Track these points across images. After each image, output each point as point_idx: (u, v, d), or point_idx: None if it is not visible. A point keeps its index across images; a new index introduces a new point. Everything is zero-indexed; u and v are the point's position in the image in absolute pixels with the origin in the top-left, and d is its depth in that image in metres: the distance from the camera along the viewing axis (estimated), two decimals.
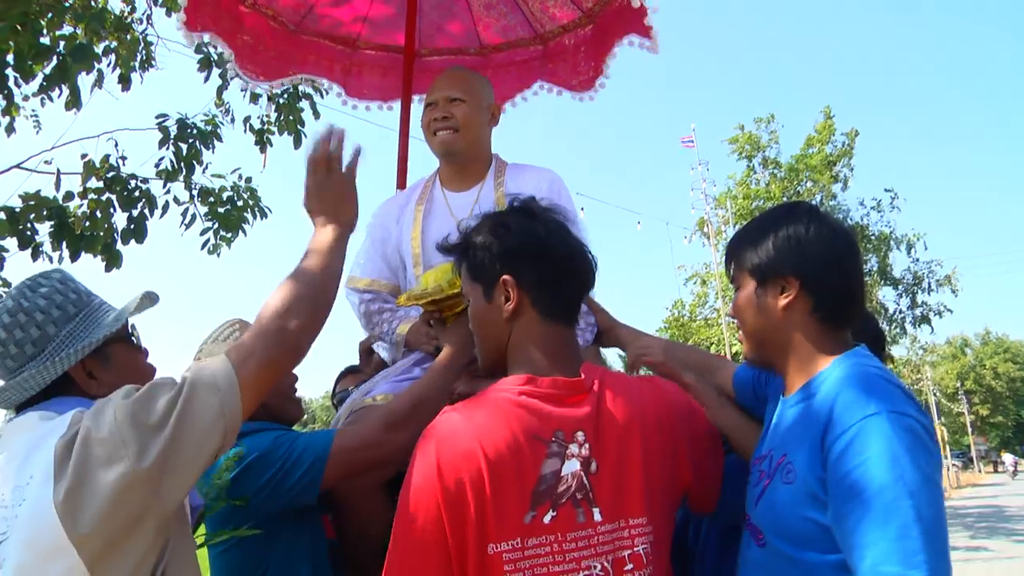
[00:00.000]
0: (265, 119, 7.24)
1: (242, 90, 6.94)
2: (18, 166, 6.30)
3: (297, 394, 2.32)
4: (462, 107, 2.50)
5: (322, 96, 7.08)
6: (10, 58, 5.33)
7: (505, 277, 1.63)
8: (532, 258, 1.64)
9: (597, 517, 1.46)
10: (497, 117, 2.67)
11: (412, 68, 3.31)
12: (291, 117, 7.09)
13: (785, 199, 19.75)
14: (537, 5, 3.31)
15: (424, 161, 2.84)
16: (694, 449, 1.66)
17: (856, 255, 1.66)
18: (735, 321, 1.78)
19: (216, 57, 6.62)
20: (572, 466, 1.47)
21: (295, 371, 2.25)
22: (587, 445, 1.49)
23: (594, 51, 3.19)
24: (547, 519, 1.43)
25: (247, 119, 7.27)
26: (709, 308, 22.81)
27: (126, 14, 6.90)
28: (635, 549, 1.47)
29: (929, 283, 19.89)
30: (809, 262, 1.59)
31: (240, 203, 6.83)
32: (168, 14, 6.82)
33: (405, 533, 1.45)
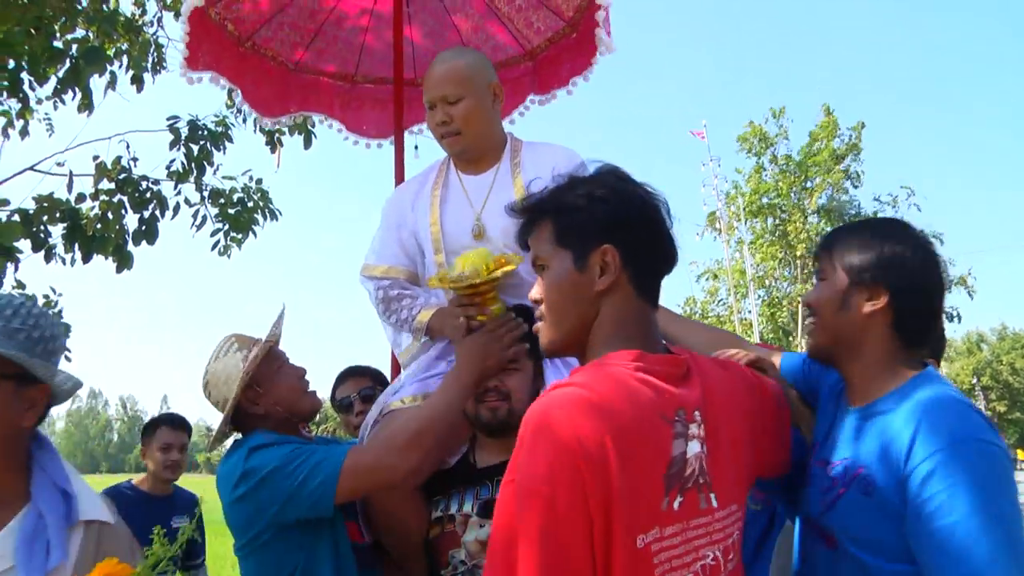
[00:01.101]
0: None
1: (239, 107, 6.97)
2: (32, 168, 6.35)
3: (311, 387, 2.33)
4: (461, 106, 2.39)
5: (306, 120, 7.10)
6: (24, 62, 5.39)
7: (607, 246, 1.48)
8: (637, 230, 1.50)
9: (715, 503, 1.38)
10: (501, 96, 2.53)
11: (402, 99, 3.36)
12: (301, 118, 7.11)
13: (793, 194, 19.67)
14: (523, 22, 3.36)
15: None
16: (767, 429, 1.66)
17: (942, 287, 1.74)
18: (810, 309, 1.81)
19: (204, 80, 6.66)
20: (695, 448, 1.37)
21: (302, 364, 2.34)
22: (703, 426, 1.40)
23: (573, 56, 3.25)
24: (676, 505, 1.33)
25: (257, 119, 7.30)
26: (722, 305, 22.73)
27: (137, 17, 6.95)
28: (733, 537, 1.42)
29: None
30: (904, 281, 1.67)
31: (251, 204, 6.86)
32: (177, 17, 6.87)
33: (552, 535, 1.23)
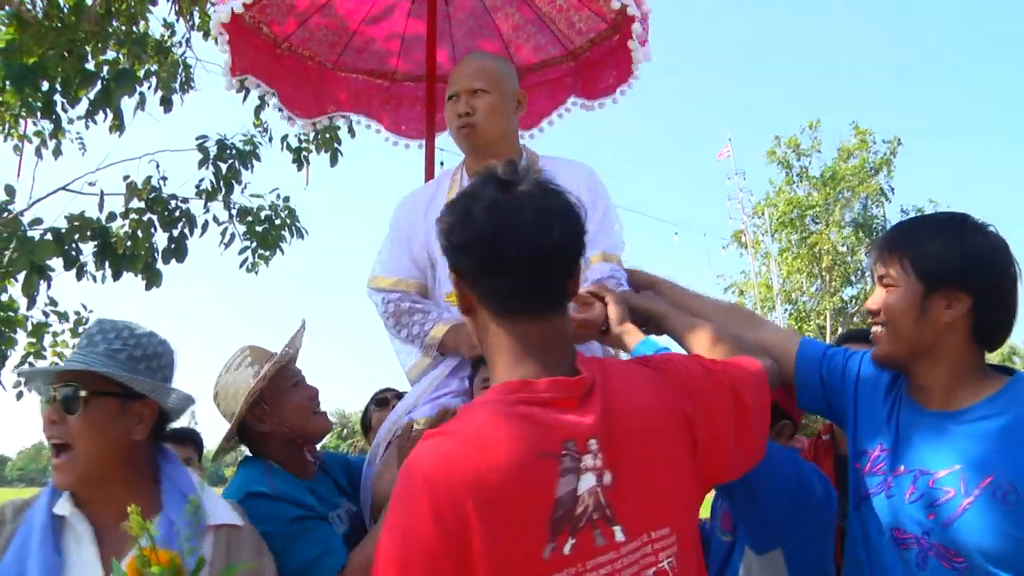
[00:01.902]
0: (302, 137, 7.33)
1: (280, 110, 7.04)
2: (64, 188, 6.47)
3: (320, 408, 2.27)
4: (485, 98, 2.36)
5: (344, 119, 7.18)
6: (57, 84, 5.50)
7: (452, 274, 1.42)
8: (459, 250, 1.38)
9: (619, 537, 1.24)
10: (523, 104, 2.50)
11: (434, 95, 3.29)
12: (328, 135, 7.18)
13: (826, 208, 19.52)
14: (564, 22, 3.33)
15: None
16: (718, 425, 1.42)
17: (1017, 280, 1.63)
18: (876, 316, 1.69)
19: (248, 86, 6.75)
20: (588, 482, 1.24)
21: (314, 384, 2.29)
22: (600, 455, 1.25)
23: (618, 60, 3.19)
24: (567, 549, 1.20)
25: (284, 138, 7.37)
26: None
27: (166, 38, 7.06)
28: (660, 565, 1.27)
29: None
30: (984, 282, 1.57)
31: (278, 222, 6.93)
32: (205, 37, 6.98)
33: None
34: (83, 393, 1.70)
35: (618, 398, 1.33)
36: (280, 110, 3.40)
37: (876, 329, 1.70)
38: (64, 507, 1.71)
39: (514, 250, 1.32)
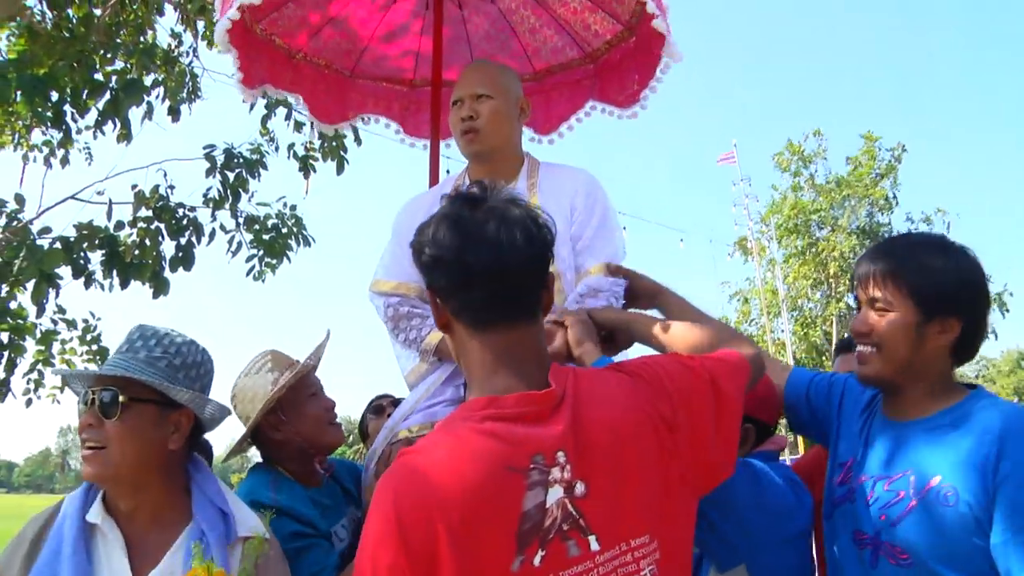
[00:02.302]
0: (308, 146, 7.37)
1: (286, 119, 7.11)
2: (73, 197, 6.51)
3: (336, 420, 2.28)
4: (489, 104, 2.37)
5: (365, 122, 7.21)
6: (67, 94, 5.55)
7: (427, 292, 1.47)
8: (430, 267, 1.42)
9: (594, 546, 1.25)
10: (527, 112, 2.53)
11: (440, 100, 3.30)
12: (334, 143, 7.22)
13: (833, 212, 19.49)
14: (580, 24, 3.31)
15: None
16: (695, 418, 1.42)
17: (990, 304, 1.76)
18: (866, 337, 1.73)
19: (266, 97, 6.80)
20: (556, 493, 1.25)
21: (332, 396, 2.31)
22: (569, 466, 1.27)
23: (638, 64, 3.16)
24: (537, 561, 1.22)
25: (291, 146, 7.41)
26: (754, 325, 22.51)
27: (173, 48, 7.12)
28: (641, 573, 1.28)
29: None
30: (973, 309, 1.67)
31: (285, 230, 6.97)
32: (210, 47, 7.03)
33: None
34: (122, 398, 1.71)
35: (589, 408, 1.34)
36: (304, 116, 3.47)
37: (864, 349, 1.73)
38: (96, 515, 1.72)
39: (479, 261, 1.35)
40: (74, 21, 6.05)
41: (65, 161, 6.83)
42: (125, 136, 6.15)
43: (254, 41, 3.05)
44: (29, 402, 6.58)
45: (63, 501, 1.78)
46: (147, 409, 1.74)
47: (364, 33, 3.48)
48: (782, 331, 20.76)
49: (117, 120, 5.91)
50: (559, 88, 3.55)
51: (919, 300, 1.65)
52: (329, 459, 2.41)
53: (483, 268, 1.36)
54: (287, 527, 1.99)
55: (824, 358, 19.90)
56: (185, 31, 7.12)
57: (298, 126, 7.30)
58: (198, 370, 1.86)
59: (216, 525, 1.73)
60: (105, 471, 1.71)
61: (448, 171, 3.77)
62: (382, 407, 3.44)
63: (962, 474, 1.54)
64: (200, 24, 6.95)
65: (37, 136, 6.69)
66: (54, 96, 5.51)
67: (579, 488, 1.27)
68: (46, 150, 6.73)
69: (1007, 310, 19.47)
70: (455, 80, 3.21)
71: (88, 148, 7.17)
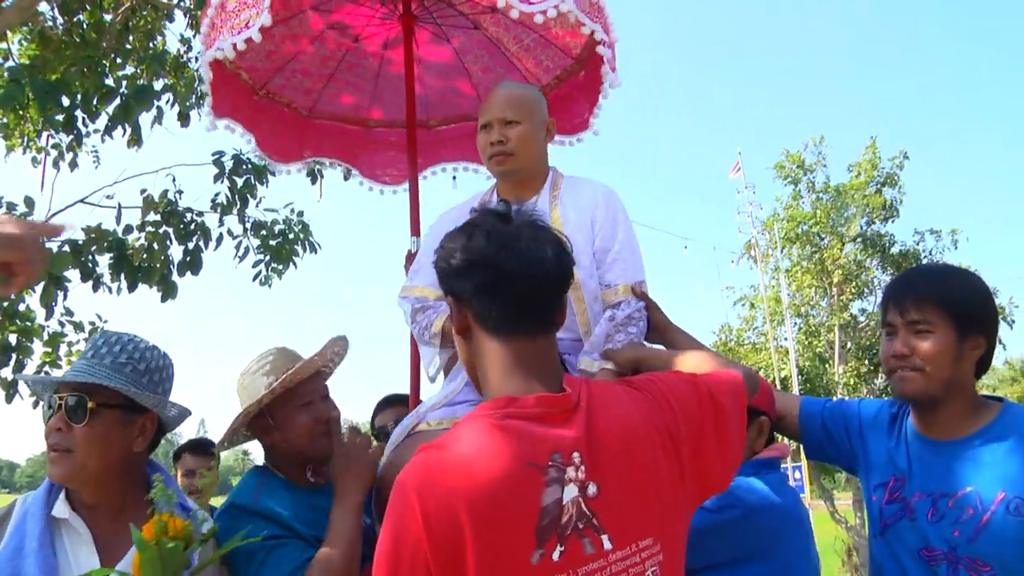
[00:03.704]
0: None
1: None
2: (82, 201, 6.56)
3: (330, 430, 2.24)
4: (517, 129, 2.43)
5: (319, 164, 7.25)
6: (78, 99, 5.60)
7: (449, 297, 1.54)
8: (460, 272, 1.48)
9: (607, 545, 1.31)
10: (552, 132, 2.59)
11: (415, 140, 3.37)
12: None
13: (832, 223, 19.46)
14: (531, 62, 3.43)
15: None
16: (695, 427, 1.49)
17: None
18: (907, 359, 1.86)
19: (226, 127, 6.83)
20: (572, 492, 1.31)
21: (337, 409, 2.30)
22: (583, 467, 1.33)
23: (588, 93, 3.25)
24: (556, 556, 1.27)
25: None
26: (756, 332, 22.47)
27: (183, 54, 7.18)
28: (646, 574, 1.34)
29: None
30: (993, 328, 1.88)
31: (292, 236, 7.01)
32: None
33: None
34: (90, 404, 1.78)
35: (602, 415, 1.40)
36: (258, 154, 3.49)
37: (905, 373, 1.87)
38: (62, 510, 1.78)
39: (513, 269, 1.43)
40: (85, 27, 6.11)
41: (74, 164, 6.88)
42: (135, 141, 6.20)
43: (224, 74, 3.10)
44: (36, 403, 6.61)
45: (15, 502, 1.84)
46: (113, 414, 1.81)
47: (324, 72, 3.55)
48: (785, 339, 20.73)
49: (127, 125, 5.96)
50: None
51: (955, 320, 1.82)
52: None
53: (516, 276, 1.44)
54: (261, 530, 2.00)
55: (827, 366, 19.84)
56: (195, 37, 7.17)
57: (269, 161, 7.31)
58: (161, 374, 1.94)
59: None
60: (72, 472, 1.78)
61: (454, 177, 3.88)
62: (388, 432, 3.45)
63: None
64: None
65: (46, 140, 6.74)
66: (65, 101, 5.57)
67: (591, 489, 1.32)
68: (55, 153, 6.78)
69: (1012, 321, 19.41)
70: (407, 120, 3.27)
71: (96, 152, 7.23)
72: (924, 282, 1.91)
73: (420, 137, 3.62)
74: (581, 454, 1.34)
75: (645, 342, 2.38)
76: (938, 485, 1.81)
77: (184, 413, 1.99)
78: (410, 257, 2.97)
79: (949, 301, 1.83)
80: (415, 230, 3.24)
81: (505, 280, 1.44)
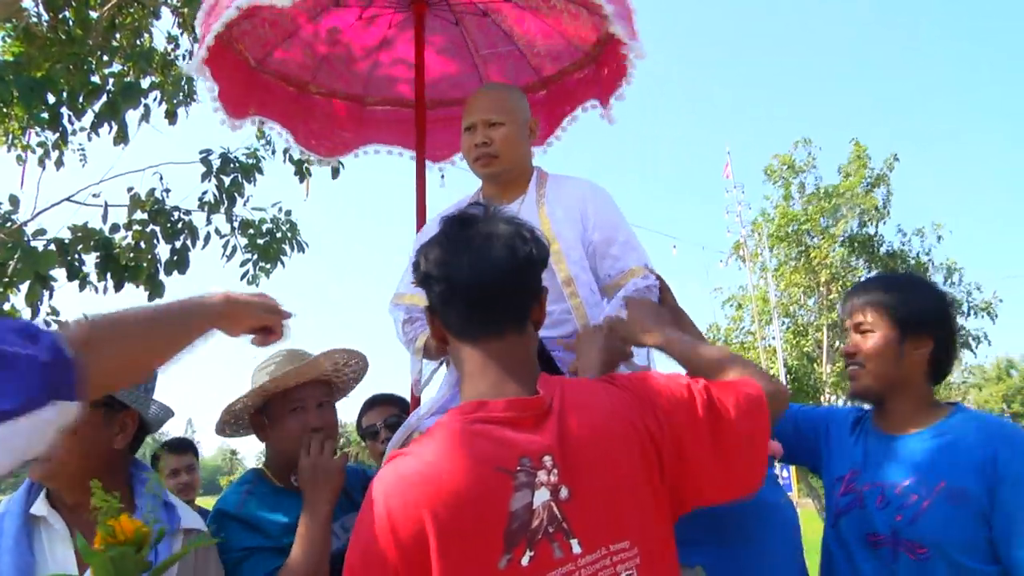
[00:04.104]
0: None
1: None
2: (69, 199, 6.50)
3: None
4: (501, 130, 2.45)
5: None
6: (63, 96, 5.55)
7: (425, 309, 1.56)
8: (424, 282, 1.51)
9: (576, 549, 1.29)
10: (536, 132, 2.61)
11: (424, 120, 3.36)
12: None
13: (823, 222, 19.56)
14: (571, 23, 3.30)
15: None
16: (685, 441, 1.43)
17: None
18: (854, 358, 2.06)
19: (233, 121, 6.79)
20: (543, 496, 1.30)
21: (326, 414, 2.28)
22: (555, 470, 1.32)
23: (593, 87, 3.24)
24: (525, 561, 1.26)
25: (287, 150, 7.39)
26: (744, 332, 22.55)
27: (169, 51, 7.13)
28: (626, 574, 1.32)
29: (968, 308, 19.44)
30: (941, 330, 2.02)
31: (279, 235, 6.97)
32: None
33: None
34: None
35: (576, 416, 1.38)
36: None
37: (854, 368, 2.07)
38: (41, 508, 1.77)
39: (459, 276, 1.44)
40: (71, 24, 6.06)
41: (60, 163, 6.82)
42: (122, 138, 6.14)
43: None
44: None
45: (8, 499, 1.83)
46: (94, 412, 1.79)
47: (286, 29, 3.45)
48: (773, 338, 20.81)
49: (114, 123, 5.91)
50: None
51: (895, 321, 2.00)
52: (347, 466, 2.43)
53: (462, 283, 1.45)
54: (242, 537, 2.03)
55: (815, 365, 19.95)
56: (182, 34, 7.12)
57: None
58: None
59: (160, 516, 1.79)
60: (52, 471, 1.77)
61: (442, 175, 3.86)
62: (376, 431, 3.43)
63: (966, 476, 1.83)
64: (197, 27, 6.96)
65: (32, 137, 6.68)
66: (51, 99, 5.51)
67: (563, 492, 1.31)
68: (40, 151, 6.72)
69: (996, 316, 19.57)
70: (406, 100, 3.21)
71: (83, 149, 7.17)
72: (869, 288, 2.11)
73: (351, 112, 3.66)
74: (553, 457, 1.33)
75: None
76: (887, 475, 1.96)
77: (167, 413, 1.98)
78: None
79: (888, 303, 2.02)
80: (420, 225, 3.22)
81: (454, 289, 1.46)
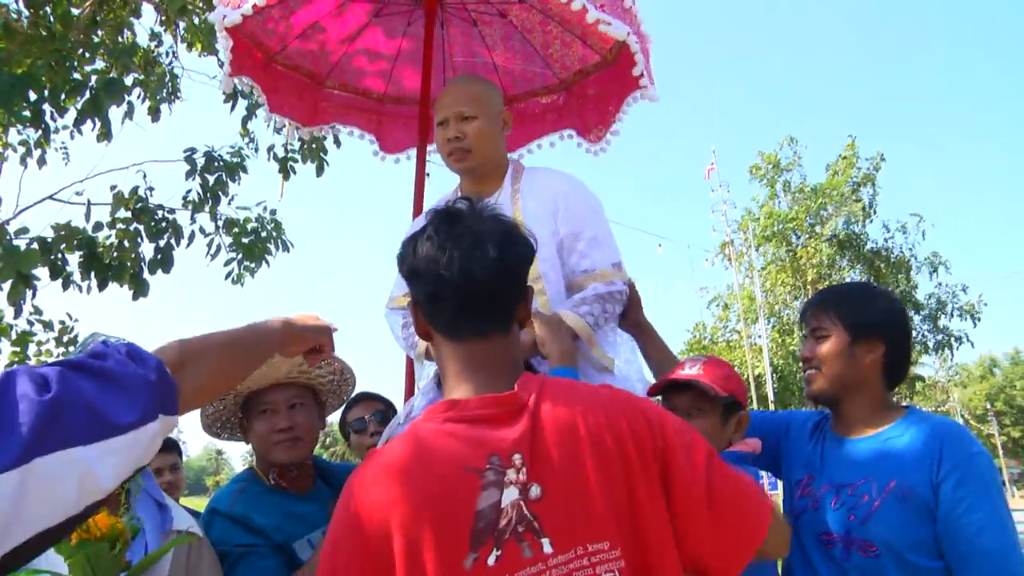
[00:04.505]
0: (288, 147, 7.31)
1: (266, 121, 7.05)
2: (51, 197, 6.45)
3: (287, 439, 2.23)
4: (473, 124, 2.42)
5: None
6: (45, 93, 5.49)
7: (409, 302, 1.54)
8: (409, 277, 1.49)
9: (547, 549, 1.26)
10: (509, 123, 2.58)
11: (428, 117, 3.30)
12: (314, 145, 7.18)
13: (809, 221, 19.66)
14: (558, 49, 3.33)
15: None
16: (669, 458, 1.38)
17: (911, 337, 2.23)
18: (810, 362, 2.13)
19: (241, 88, 6.75)
20: (512, 495, 1.28)
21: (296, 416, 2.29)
22: (524, 469, 1.29)
23: (615, 93, 3.17)
24: (491, 560, 1.24)
25: (271, 148, 7.36)
26: (730, 331, 22.65)
27: (153, 48, 7.08)
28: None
29: (952, 309, 19.57)
30: (895, 333, 2.09)
31: (264, 234, 6.94)
32: (189, 49, 7.00)
33: None
34: None
35: (553, 414, 1.35)
36: (272, 120, 3.42)
37: (811, 372, 2.14)
38: None
39: (449, 275, 1.40)
40: (52, 20, 5.99)
41: (42, 161, 6.77)
42: (105, 135, 6.09)
43: (240, 38, 3.02)
44: None
45: None
46: None
47: (337, 45, 3.47)
48: (759, 337, 20.91)
49: (97, 119, 5.86)
50: (532, 115, 3.57)
51: (847, 325, 2.07)
52: (335, 464, 2.46)
53: (452, 281, 1.41)
54: (236, 536, 2.05)
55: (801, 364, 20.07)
56: (164, 32, 7.08)
57: (278, 128, 7.24)
58: None
59: (153, 515, 1.80)
60: None
61: (428, 173, 3.83)
62: (364, 423, 3.42)
63: (914, 475, 1.89)
64: (181, 25, 6.92)
65: (13, 135, 6.62)
66: (32, 96, 5.46)
67: (534, 491, 1.29)
68: (22, 150, 6.66)
69: (979, 319, 19.70)
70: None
71: (65, 147, 7.12)
72: (825, 296, 2.20)
73: (313, 91, 3.57)
74: (523, 455, 1.30)
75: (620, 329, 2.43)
76: (842, 476, 2.01)
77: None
78: None
79: (840, 309, 2.09)
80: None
81: (443, 287, 1.42)
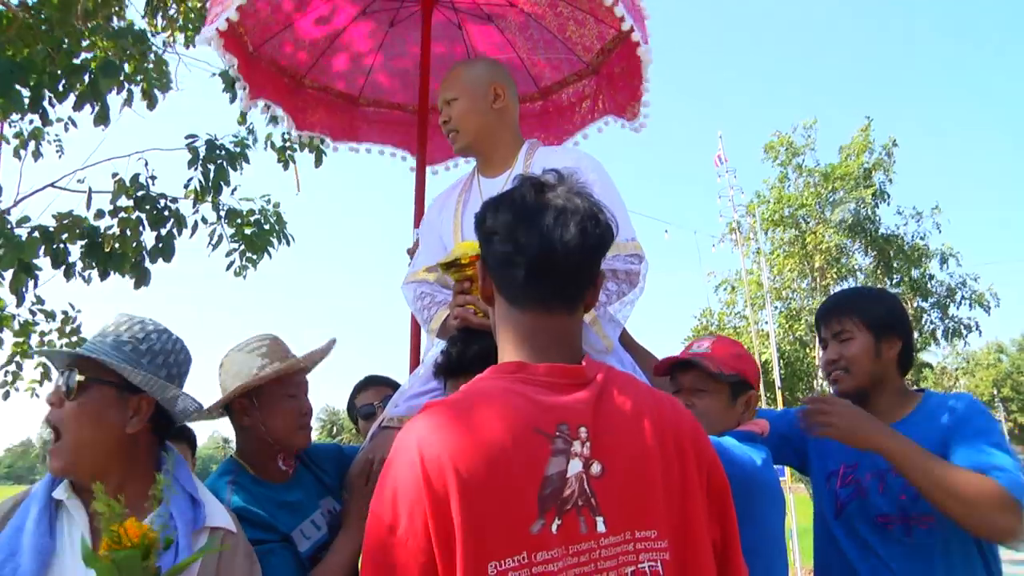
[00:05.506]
0: (287, 137, 7.21)
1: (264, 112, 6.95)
2: (52, 185, 6.39)
3: (308, 425, 2.27)
4: (456, 105, 2.52)
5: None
6: (45, 80, 5.41)
7: (479, 261, 1.53)
8: (485, 240, 1.48)
9: (600, 528, 1.25)
10: (504, 95, 2.55)
11: (426, 125, 3.35)
12: (312, 136, 7.05)
13: (818, 207, 19.48)
14: (575, 30, 3.29)
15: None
16: (711, 483, 1.42)
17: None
18: (837, 363, 2.32)
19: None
20: (576, 467, 1.26)
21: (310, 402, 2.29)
22: (588, 443, 1.29)
23: (635, 71, 3.10)
24: (554, 528, 1.22)
25: (268, 137, 7.25)
26: (738, 316, 22.53)
27: (149, 35, 6.96)
28: (639, 565, 1.26)
29: (963, 297, 19.40)
30: (907, 330, 2.36)
31: (267, 226, 6.86)
32: (187, 45, 6.91)
33: (382, 558, 1.23)
34: (80, 378, 1.73)
35: (616, 396, 1.36)
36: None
37: (838, 372, 2.33)
38: (62, 492, 1.73)
39: (529, 244, 1.39)
40: (45, 8, 5.89)
41: (37, 154, 6.69)
42: (103, 118, 5.97)
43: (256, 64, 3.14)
44: (7, 395, 6.49)
45: (35, 485, 1.79)
46: (104, 390, 1.75)
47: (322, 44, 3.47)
48: (766, 323, 20.81)
49: (95, 102, 5.75)
50: (569, 106, 3.53)
51: (870, 326, 2.31)
52: (316, 445, 2.41)
53: (531, 251, 1.39)
54: (245, 533, 1.97)
55: (808, 350, 19.95)
56: (158, 16, 6.95)
57: (275, 119, 7.13)
58: (167, 358, 1.86)
59: (185, 511, 1.73)
60: (66, 459, 1.72)
61: (435, 172, 3.82)
62: (373, 411, 3.37)
63: (942, 444, 2.10)
64: (173, 8, 6.82)
65: (6, 129, 6.53)
66: (31, 81, 5.38)
67: (595, 468, 1.28)
68: (16, 142, 6.58)
69: (989, 307, 19.54)
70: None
71: (59, 140, 7.03)
72: (843, 301, 2.42)
73: (345, 108, 3.66)
74: (588, 430, 1.30)
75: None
76: (883, 463, 2.14)
77: (190, 402, 1.91)
78: (412, 251, 2.93)
79: (863, 312, 2.32)
80: (418, 223, 3.18)
81: (520, 255, 1.39)
